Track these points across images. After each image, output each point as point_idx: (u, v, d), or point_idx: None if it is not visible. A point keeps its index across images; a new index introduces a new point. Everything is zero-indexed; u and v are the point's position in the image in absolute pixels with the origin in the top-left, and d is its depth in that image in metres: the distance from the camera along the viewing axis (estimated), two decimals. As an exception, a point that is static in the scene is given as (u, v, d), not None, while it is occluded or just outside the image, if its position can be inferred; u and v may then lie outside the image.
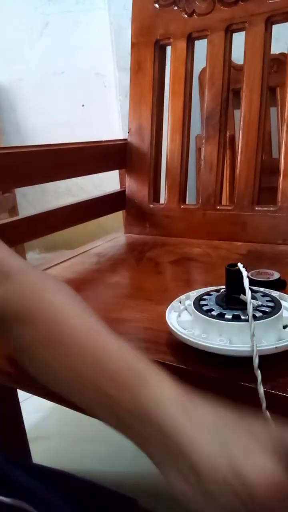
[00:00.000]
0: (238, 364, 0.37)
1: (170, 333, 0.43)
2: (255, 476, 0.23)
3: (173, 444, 0.26)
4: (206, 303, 0.43)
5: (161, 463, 0.26)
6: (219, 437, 0.25)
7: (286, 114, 0.75)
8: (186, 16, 0.83)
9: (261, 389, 0.34)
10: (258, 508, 0.23)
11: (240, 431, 0.26)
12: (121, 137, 0.95)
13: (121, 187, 0.97)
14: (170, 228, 0.87)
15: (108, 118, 2.05)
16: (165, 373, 0.29)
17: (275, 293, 0.46)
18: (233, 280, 0.41)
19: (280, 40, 0.94)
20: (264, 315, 0.40)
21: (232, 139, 1.28)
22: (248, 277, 0.39)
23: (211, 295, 0.45)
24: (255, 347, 0.35)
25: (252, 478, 0.23)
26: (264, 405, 0.33)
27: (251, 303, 0.37)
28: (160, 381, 0.29)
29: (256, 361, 0.34)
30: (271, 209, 0.77)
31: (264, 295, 0.44)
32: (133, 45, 0.90)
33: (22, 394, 0.83)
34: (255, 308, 0.40)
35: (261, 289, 0.46)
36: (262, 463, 0.24)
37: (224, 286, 0.43)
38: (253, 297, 0.42)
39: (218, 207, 0.83)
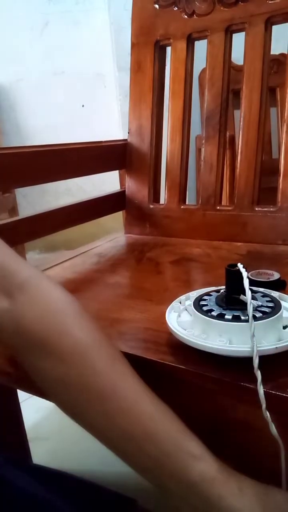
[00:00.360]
0: (238, 364, 0.37)
1: (170, 333, 0.43)
2: None
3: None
4: (206, 303, 0.43)
5: None
6: (259, 503, 0.28)
7: (286, 114, 0.75)
8: (186, 16, 0.83)
9: (261, 390, 0.34)
10: None
11: (275, 499, 0.29)
12: (121, 137, 0.95)
13: (121, 187, 0.97)
14: (170, 228, 0.87)
15: (108, 118, 2.05)
16: (205, 447, 0.31)
17: (275, 294, 0.46)
18: (233, 280, 0.41)
19: (280, 40, 0.94)
20: (264, 316, 0.40)
21: (232, 139, 1.28)
22: (248, 277, 0.39)
23: (211, 295, 0.45)
24: (255, 348, 0.35)
25: None
26: (264, 405, 0.33)
27: (251, 304, 0.37)
28: (203, 454, 0.31)
29: (256, 361, 0.34)
30: (271, 209, 0.77)
31: (264, 295, 0.44)
32: (133, 45, 0.90)
33: (22, 394, 0.83)
34: (255, 309, 0.40)
35: (261, 289, 0.46)
36: None
37: (224, 287, 0.43)
38: (253, 298, 0.42)
39: (218, 208, 0.83)
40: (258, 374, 0.34)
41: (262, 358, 0.36)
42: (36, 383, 0.38)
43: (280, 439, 0.32)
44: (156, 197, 0.91)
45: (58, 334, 0.35)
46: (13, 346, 0.38)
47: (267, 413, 0.33)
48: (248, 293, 0.38)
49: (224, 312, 0.41)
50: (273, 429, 0.32)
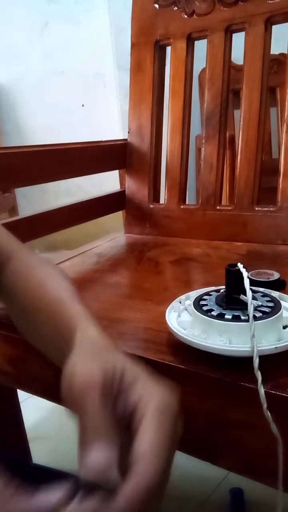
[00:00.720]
0: (238, 364, 0.37)
1: (170, 333, 0.43)
2: (79, 371, 0.30)
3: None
4: (206, 303, 0.43)
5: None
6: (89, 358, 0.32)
7: (286, 114, 0.75)
8: (186, 16, 0.83)
9: (261, 390, 0.34)
10: (75, 394, 0.28)
11: (102, 356, 0.32)
12: (121, 137, 0.95)
13: (121, 187, 0.97)
14: (170, 228, 0.87)
15: (108, 118, 2.05)
16: (97, 322, 0.36)
17: (275, 293, 0.46)
18: (233, 280, 0.41)
19: (280, 40, 0.94)
20: (264, 315, 0.40)
21: (232, 139, 1.28)
22: (248, 277, 0.39)
23: (211, 295, 0.45)
24: (255, 348, 0.35)
25: (77, 373, 0.30)
26: (265, 406, 0.33)
27: (251, 304, 0.37)
28: (91, 325, 0.36)
29: (256, 362, 0.34)
30: (271, 209, 0.77)
31: (264, 295, 0.44)
32: (133, 45, 0.90)
33: (22, 394, 0.83)
34: (255, 308, 0.40)
35: (261, 289, 0.46)
36: (90, 367, 0.30)
37: (224, 286, 0.43)
38: (253, 298, 0.42)
39: (218, 207, 0.83)
40: (259, 375, 0.34)
41: (262, 358, 0.36)
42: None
43: (281, 439, 0.32)
44: (156, 197, 0.91)
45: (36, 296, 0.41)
46: (10, 310, 0.45)
47: (268, 413, 0.33)
48: (249, 293, 0.38)
49: (224, 312, 0.41)
50: (274, 428, 0.32)
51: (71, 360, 0.32)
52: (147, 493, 0.23)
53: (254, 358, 0.35)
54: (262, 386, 0.34)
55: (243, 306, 0.40)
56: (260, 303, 0.42)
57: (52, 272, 0.45)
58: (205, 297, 0.45)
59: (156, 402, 0.27)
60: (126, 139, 0.93)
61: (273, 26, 0.76)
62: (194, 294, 0.47)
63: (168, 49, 0.87)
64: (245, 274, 0.39)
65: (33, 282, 0.43)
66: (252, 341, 0.36)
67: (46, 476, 0.47)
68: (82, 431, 0.27)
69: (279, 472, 0.32)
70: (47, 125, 2.04)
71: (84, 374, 0.29)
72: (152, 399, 0.27)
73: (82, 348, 0.33)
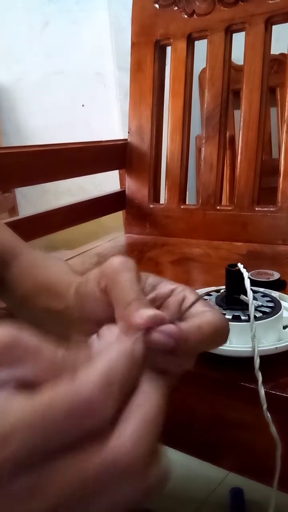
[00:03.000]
0: (238, 365, 0.37)
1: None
2: (106, 262, 0.29)
3: None
4: (206, 303, 0.43)
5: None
6: None
7: (286, 114, 0.75)
8: (186, 16, 0.83)
9: (262, 391, 0.34)
10: (108, 281, 0.28)
11: None
12: (121, 137, 0.95)
13: (121, 187, 0.97)
14: (170, 228, 0.87)
15: (108, 118, 2.05)
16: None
17: (275, 293, 0.46)
18: (233, 280, 0.41)
19: (280, 40, 0.94)
20: (264, 316, 0.40)
21: (232, 139, 1.28)
22: (248, 277, 0.39)
23: (211, 295, 0.45)
24: (256, 348, 0.35)
25: (104, 263, 0.29)
26: (265, 406, 0.33)
27: (252, 304, 0.37)
28: (78, 280, 0.35)
29: (257, 362, 0.34)
30: (271, 209, 0.77)
31: (264, 295, 0.44)
32: (133, 45, 0.90)
33: (22, 394, 0.83)
34: (255, 309, 0.40)
35: (261, 289, 0.46)
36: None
37: (224, 286, 0.43)
38: (253, 298, 0.42)
39: (218, 207, 0.83)
40: (259, 375, 0.34)
41: (262, 358, 0.36)
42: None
43: (279, 440, 0.32)
44: (156, 197, 0.91)
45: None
46: (12, 302, 0.45)
47: (268, 414, 0.33)
48: (250, 293, 0.38)
49: (224, 312, 0.41)
50: (273, 429, 0.32)
51: (82, 277, 0.32)
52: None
53: (255, 358, 0.35)
54: (262, 387, 0.34)
55: (243, 306, 0.40)
56: (260, 303, 0.42)
57: (57, 262, 0.45)
58: (205, 297, 0.45)
59: (191, 290, 0.29)
60: (126, 139, 0.93)
61: (273, 26, 0.76)
62: (194, 294, 0.47)
63: (168, 49, 0.87)
64: (245, 274, 0.39)
65: (35, 268, 0.44)
66: (252, 341, 0.36)
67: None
68: (119, 300, 0.27)
69: (276, 472, 0.32)
70: (47, 125, 2.03)
71: (116, 257, 0.30)
72: (186, 288, 0.29)
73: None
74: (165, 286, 0.30)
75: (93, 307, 0.30)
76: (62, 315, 0.35)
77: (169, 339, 0.23)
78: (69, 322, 0.33)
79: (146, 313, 0.24)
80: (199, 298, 0.27)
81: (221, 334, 0.27)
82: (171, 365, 0.24)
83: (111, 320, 0.27)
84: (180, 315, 0.26)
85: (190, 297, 0.28)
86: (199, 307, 0.27)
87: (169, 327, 0.24)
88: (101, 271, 0.30)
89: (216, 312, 0.26)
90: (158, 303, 0.30)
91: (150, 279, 0.31)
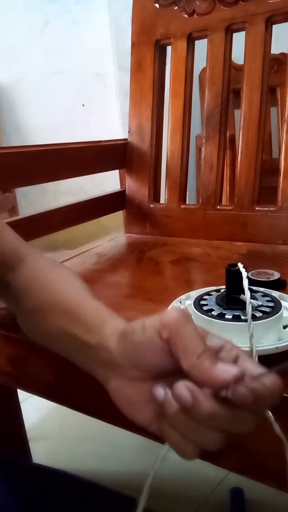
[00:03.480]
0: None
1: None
2: (164, 313, 0.31)
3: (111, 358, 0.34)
4: (206, 303, 0.43)
5: (106, 378, 0.35)
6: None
7: (286, 114, 0.75)
8: (186, 16, 0.83)
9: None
10: (171, 332, 0.30)
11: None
12: (121, 137, 0.95)
13: (121, 187, 0.97)
14: (170, 228, 0.87)
15: (108, 118, 2.05)
16: (121, 317, 0.37)
17: (275, 293, 0.46)
18: (233, 280, 0.41)
19: (280, 40, 0.94)
20: (264, 315, 0.40)
21: (232, 139, 1.28)
22: (248, 277, 0.39)
23: (211, 295, 0.45)
24: (254, 348, 0.35)
25: (162, 314, 0.31)
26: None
27: (250, 304, 0.37)
28: (116, 321, 0.36)
29: (255, 361, 0.34)
30: (271, 209, 0.77)
31: (264, 295, 0.44)
32: (133, 44, 0.90)
33: (22, 394, 0.83)
34: (255, 308, 0.40)
35: (261, 289, 0.46)
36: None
37: (224, 286, 0.43)
38: (253, 297, 0.42)
39: (218, 207, 0.83)
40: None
41: (263, 357, 0.36)
42: (20, 323, 0.46)
43: (285, 439, 0.32)
44: (156, 197, 0.91)
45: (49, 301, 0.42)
46: (18, 310, 0.46)
47: (270, 413, 0.32)
48: (247, 293, 0.38)
49: (224, 311, 0.41)
50: (277, 428, 0.32)
51: (133, 322, 0.33)
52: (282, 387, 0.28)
53: (253, 358, 0.35)
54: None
55: (243, 306, 0.40)
56: (260, 303, 0.42)
57: (65, 273, 0.46)
58: (206, 297, 0.45)
59: (240, 349, 0.31)
60: (126, 139, 0.92)
61: (274, 26, 0.76)
62: (194, 294, 0.47)
63: (169, 48, 0.87)
64: (244, 274, 0.39)
65: (47, 282, 0.44)
66: (250, 341, 0.36)
67: (46, 476, 0.47)
68: (187, 350, 0.29)
69: (287, 473, 0.32)
70: (47, 125, 2.03)
71: (175, 310, 0.31)
72: (235, 346, 0.31)
73: (131, 322, 0.34)
74: (214, 339, 0.31)
75: (150, 355, 0.31)
76: (93, 349, 0.36)
77: (251, 395, 0.26)
78: (105, 360, 0.35)
79: (233, 369, 0.28)
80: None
81: (281, 395, 0.29)
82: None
83: (166, 367, 0.31)
84: (261, 374, 0.28)
85: (244, 357, 0.30)
86: (257, 368, 0.29)
87: (254, 384, 0.27)
88: (162, 321, 0.31)
89: (276, 376, 0.28)
90: None
91: (200, 331, 0.32)
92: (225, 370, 0.27)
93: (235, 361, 0.30)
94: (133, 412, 0.33)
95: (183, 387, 0.28)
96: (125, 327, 0.34)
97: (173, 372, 0.30)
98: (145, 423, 0.33)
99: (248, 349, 0.36)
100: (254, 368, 0.29)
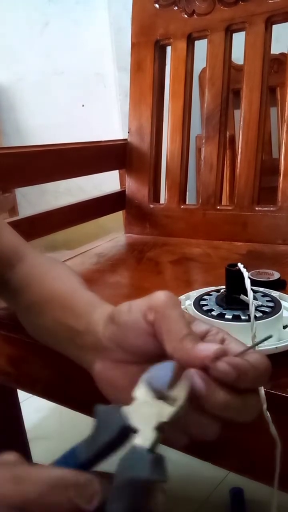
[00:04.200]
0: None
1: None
2: (152, 296, 0.31)
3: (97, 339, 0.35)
4: (206, 303, 0.43)
5: (92, 363, 0.35)
6: None
7: (286, 114, 0.75)
8: (186, 16, 0.83)
9: (262, 390, 0.33)
10: (156, 315, 0.30)
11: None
12: (121, 137, 0.95)
13: (121, 187, 0.97)
14: (170, 228, 0.87)
15: (108, 118, 2.05)
16: (111, 304, 0.37)
17: (275, 293, 0.46)
18: (233, 280, 0.41)
19: (280, 40, 0.94)
20: (264, 315, 0.40)
21: (232, 139, 1.28)
22: (248, 277, 0.39)
23: (211, 295, 0.45)
24: (255, 348, 0.35)
25: (150, 296, 0.31)
26: (264, 406, 0.33)
27: (253, 304, 0.37)
28: (105, 307, 0.37)
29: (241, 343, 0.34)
30: (271, 209, 0.77)
31: (264, 295, 0.44)
32: (133, 45, 0.90)
33: (22, 394, 0.83)
34: (255, 308, 0.40)
35: (261, 289, 0.46)
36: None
37: (224, 286, 0.43)
38: (253, 297, 0.42)
39: (218, 207, 0.83)
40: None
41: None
42: (20, 319, 0.46)
43: (279, 440, 0.32)
44: (156, 197, 0.91)
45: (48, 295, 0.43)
46: (17, 306, 0.46)
47: (268, 413, 0.33)
48: (250, 293, 0.38)
49: (224, 312, 0.41)
50: (272, 429, 0.32)
51: (121, 304, 0.33)
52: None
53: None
54: (262, 387, 0.33)
55: (243, 306, 0.40)
56: (260, 303, 0.42)
57: (64, 270, 0.47)
58: (205, 297, 0.45)
59: (226, 332, 0.32)
60: (126, 139, 0.92)
61: (273, 26, 0.76)
62: (194, 294, 0.47)
63: (168, 49, 0.87)
64: (245, 274, 0.39)
65: (45, 278, 0.45)
66: (252, 341, 0.36)
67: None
68: (171, 333, 0.29)
69: (276, 472, 0.32)
70: (47, 125, 2.04)
71: (163, 292, 0.31)
72: (221, 330, 0.32)
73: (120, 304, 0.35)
74: (201, 325, 0.32)
75: (134, 337, 0.31)
76: (81, 335, 0.36)
77: (233, 370, 0.26)
78: (91, 345, 0.35)
79: (213, 346, 0.27)
80: (266, 339, 0.29)
81: (268, 374, 0.29)
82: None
83: (150, 350, 0.31)
84: (243, 351, 0.28)
85: (229, 338, 0.30)
86: (241, 347, 0.29)
87: (235, 359, 0.27)
88: (149, 304, 0.31)
89: (263, 353, 0.29)
90: None
91: (186, 316, 0.32)
92: (205, 348, 0.27)
93: (221, 343, 0.30)
94: (117, 395, 0.33)
95: (196, 376, 0.27)
96: (112, 310, 0.34)
97: (157, 355, 0.30)
98: None
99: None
100: (238, 348, 0.29)
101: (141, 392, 0.28)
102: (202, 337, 0.31)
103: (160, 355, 0.30)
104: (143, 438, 0.25)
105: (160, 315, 0.30)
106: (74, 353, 0.38)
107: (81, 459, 0.27)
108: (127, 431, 0.26)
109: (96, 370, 0.35)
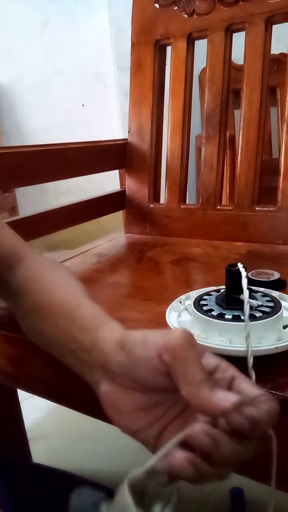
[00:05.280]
0: (238, 364, 0.37)
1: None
2: (168, 333, 0.30)
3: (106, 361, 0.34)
4: (206, 303, 0.43)
5: (97, 381, 0.34)
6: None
7: (286, 114, 0.75)
8: (186, 16, 0.83)
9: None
10: (172, 357, 0.29)
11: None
12: (121, 137, 0.95)
13: (121, 187, 0.97)
14: (170, 228, 0.87)
15: (108, 118, 2.05)
16: (118, 322, 0.37)
17: (275, 293, 0.46)
18: (233, 280, 0.41)
19: (280, 40, 0.94)
20: (264, 315, 0.40)
21: (232, 139, 1.28)
22: (248, 277, 0.39)
23: (211, 295, 0.45)
24: (250, 348, 0.35)
25: (166, 334, 0.30)
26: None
27: (248, 304, 0.37)
28: (113, 325, 0.36)
29: (250, 361, 0.34)
30: (271, 209, 0.77)
31: (264, 295, 0.44)
32: (133, 44, 0.90)
33: (22, 394, 0.83)
34: (255, 308, 0.40)
35: (261, 289, 0.46)
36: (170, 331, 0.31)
37: (224, 286, 0.43)
38: (253, 297, 0.42)
39: (218, 207, 0.83)
40: (252, 374, 0.34)
41: (263, 357, 0.36)
42: (20, 324, 0.46)
43: (275, 438, 0.32)
44: (156, 197, 0.91)
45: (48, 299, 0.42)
46: (17, 309, 0.46)
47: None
48: (246, 292, 0.38)
49: (224, 311, 0.41)
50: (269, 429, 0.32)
51: (135, 332, 0.33)
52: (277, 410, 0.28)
53: (248, 357, 0.34)
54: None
55: (243, 306, 0.40)
56: (260, 303, 0.42)
57: (63, 274, 0.46)
58: (205, 297, 0.45)
59: (235, 368, 0.31)
60: (126, 139, 0.93)
61: (273, 26, 0.76)
62: (194, 294, 0.47)
63: (168, 49, 0.87)
64: (243, 274, 0.39)
65: (45, 282, 0.44)
66: (247, 340, 0.35)
67: (46, 476, 0.47)
68: (188, 378, 0.29)
69: (272, 470, 0.32)
70: (47, 125, 2.04)
71: (180, 331, 0.30)
72: (230, 366, 0.31)
73: (132, 330, 0.34)
74: (210, 360, 0.31)
75: (146, 371, 0.31)
76: (87, 350, 0.35)
77: (249, 423, 0.26)
78: (98, 363, 0.34)
79: (231, 397, 0.27)
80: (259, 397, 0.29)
81: (277, 418, 0.29)
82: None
83: (160, 385, 0.30)
84: (250, 404, 0.28)
85: (239, 377, 0.30)
86: (253, 389, 0.29)
87: (252, 412, 0.27)
88: (166, 343, 0.30)
89: (271, 398, 0.29)
90: None
91: (199, 351, 0.31)
92: (224, 399, 0.27)
93: (230, 382, 0.30)
94: (120, 419, 0.33)
95: (201, 432, 0.27)
96: (124, 335, 0.33)
97: (165, 389, 0.30)
98: (130, 431, 0.32)
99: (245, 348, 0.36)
100: (250, 389, 0.29)
101: (122, 495, 0.26)
102: (212, 373, 0.30)
103: (169, 390, 0.30)
104: None
105: (177, 357, 0.29)
106: (76, 364, 0.38)
107: None
108: None
109: (102, 390, 0.34)
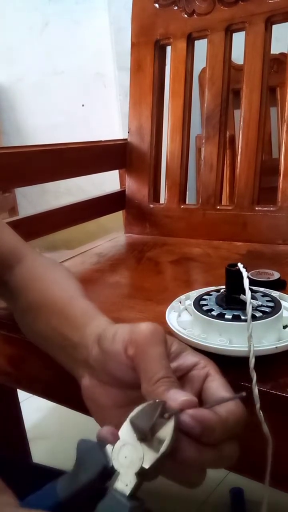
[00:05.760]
0: (238, 364, 0.37)
1: (170, 333, 0.42)
2: (135, 327, 0.30)
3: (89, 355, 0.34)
4: (206, 303, 0.43)
5: (81, 376, 0.35)
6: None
7: (286, 114, 0.75)
8: (186, 16, 0.83)
9: (255, 390, 0.34)
10: (136, 351, 0.29)
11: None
12: (121, 137, 0.95)
13: (121, 187, 0.97)
14: (170, 228, 0.87)
15: (108, 118, 2.05)
16: (107, 318, 0.37)
17: (275, 293, 0.46)
18: (233, 280, 0.41)
19: (280, 40, 0.94)
20: (264, 315, 0.40)
21: (232, 139, 1.28)
22: (248, 277, 0.39)
23: (211, 295, 0.45)
24: (252, 348, 0.35)
25: (134, 327, 0.30)
26: (258, 405, 0.33)
27: (250, 304, 0.37)
28: (99, 321, 0.36)
29: (252, 361, 0.34)
30: (271, 209, 0.77)
31: (264, 295, 0.44)
32: (133, 45, 0.90)
33: (22, 394, 0.83)
34: (255, 308, 0.40)
35: (261, 289, 0.46)
36: (146, 323, 0.31)
37: (224, 286, 0.43)
38: (253, 297, 0.42)
39: (218, 207, 0.83)
40: (254, 374, 0.34)
41: (263, 357, 0.36)
42: (17, 321, 0.47)
43: (271, 439, 0.32)
44: (156, 197, 0.91)
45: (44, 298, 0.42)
46: (15, 308, 0.46)
47: (261, 412, 0.33)
48: (248, 293, 0.38)
49: (224, 311, 0.41)
50: (265, 428, 0.32)
51: (110, 327, 0.33)
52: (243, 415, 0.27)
53: (250, 358, 0.35)
54: (256, 386, 0.34)
55: (243, 306, 0.40)
56: (260, 303, 0.42)
57: (62, 274, 0.46)
58: (205, 297, 0.45)
59: (214, 366, 0.31)
60: (126, 139, 0.93)
61: (273, 26, 0.76)
62: (194, 294, 0.47)
63: (168, 49, 0.87)
64: (244, 274, 0.39)
65: (44, 282, 0.45)
66: (249, 341, 0.35)
67: (46, 476, 0.47)
68: (147, 374, 0.28)
69: (267, 470, 0.33)
70: (47, 125, 2.04)
71: (147, 325, 0.30)
72: (209, 363, 0.31)
73: (111, 325, 0.34)
74: (189, 357, 0.31)
75: (115, 366, 0.31)
76: (74, 346, 0.36)
77: (197, 425, 0.25)
78: (82, 359, 0.34)
79: (181, 397, 0.26)
80: (234, 398, 0.28)
81: (241, 426, 0.28)
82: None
83: (131, 381, 0.30)
84: (210, 406, 0.27)
85: (213, 375, 0.29)
86: (220, 390, 0.28)
87: (201, 412, 0.25)
88: (131, 337, 0.30)
89: (239, 402, 0.27)
90: (181, 373, 0.31)
91: (174, 346, 0.31)
92: (172, 398, 0.26)
93: (203, 379, 0.29)
94: (98, 414, 0.33)
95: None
96: (102, 330, 0.33)
97: (138, 386, 0.29)
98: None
99: (247, 349, 0.36)
100: (218, 389, 0.28)
101: (125, 432, 0.27)
102: (189, 370, 0.30)
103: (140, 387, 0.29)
104: (124, 483, 0.24)
105: (140, 352, 0.29)
106: (65, 361, 0.38)
107: (60, 496, 0.27)
108: (108, 473, 0.25)
109: (83, 385, 0.34)
